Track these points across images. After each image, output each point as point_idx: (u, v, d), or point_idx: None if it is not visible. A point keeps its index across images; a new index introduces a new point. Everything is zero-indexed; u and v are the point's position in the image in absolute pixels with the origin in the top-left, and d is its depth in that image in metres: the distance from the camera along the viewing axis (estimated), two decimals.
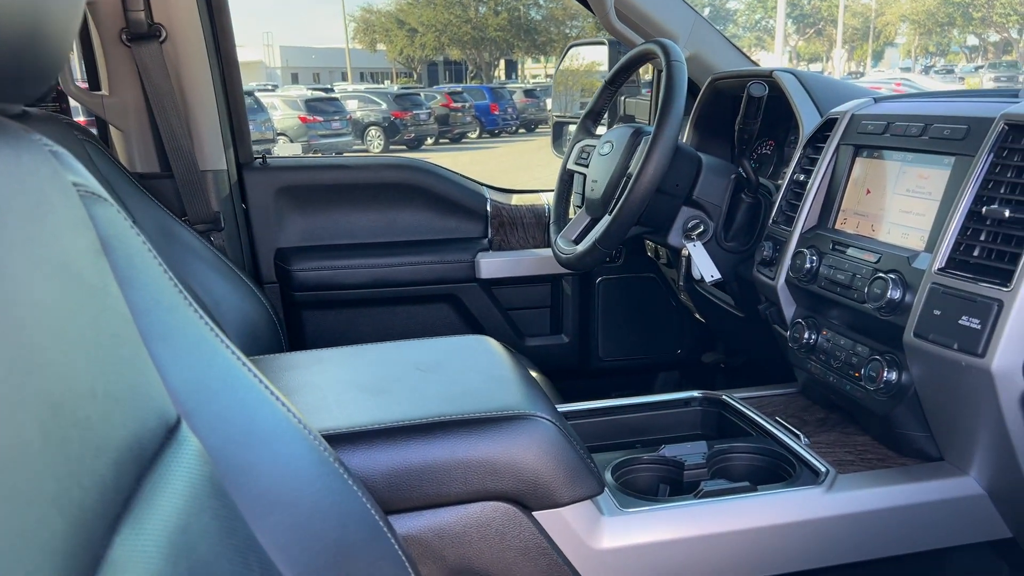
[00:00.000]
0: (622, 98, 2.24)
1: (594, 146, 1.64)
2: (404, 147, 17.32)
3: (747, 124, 1.41)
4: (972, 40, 44.14)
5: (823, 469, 1.10)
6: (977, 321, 0.95)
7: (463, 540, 0.93)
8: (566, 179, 1.76)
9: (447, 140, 18.89)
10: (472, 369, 1.10)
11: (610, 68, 2.29)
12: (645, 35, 1.83)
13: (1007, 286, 0.93)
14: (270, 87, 26.18)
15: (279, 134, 15.17)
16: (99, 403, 0.51)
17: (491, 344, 1.22)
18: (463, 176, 2.13)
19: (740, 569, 1.04)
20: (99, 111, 1.75)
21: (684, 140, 1.89)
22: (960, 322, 0.97)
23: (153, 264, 0.67)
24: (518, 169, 13.29)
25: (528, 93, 22.59)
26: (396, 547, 0.77)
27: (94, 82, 1.79)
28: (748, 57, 1.96)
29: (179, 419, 0.63)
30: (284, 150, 13.74)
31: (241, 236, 1.92)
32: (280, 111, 15.53)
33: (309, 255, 1.97)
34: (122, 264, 0.63)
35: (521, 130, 21.33)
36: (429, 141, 18.15)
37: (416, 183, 2.04)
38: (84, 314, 0.54)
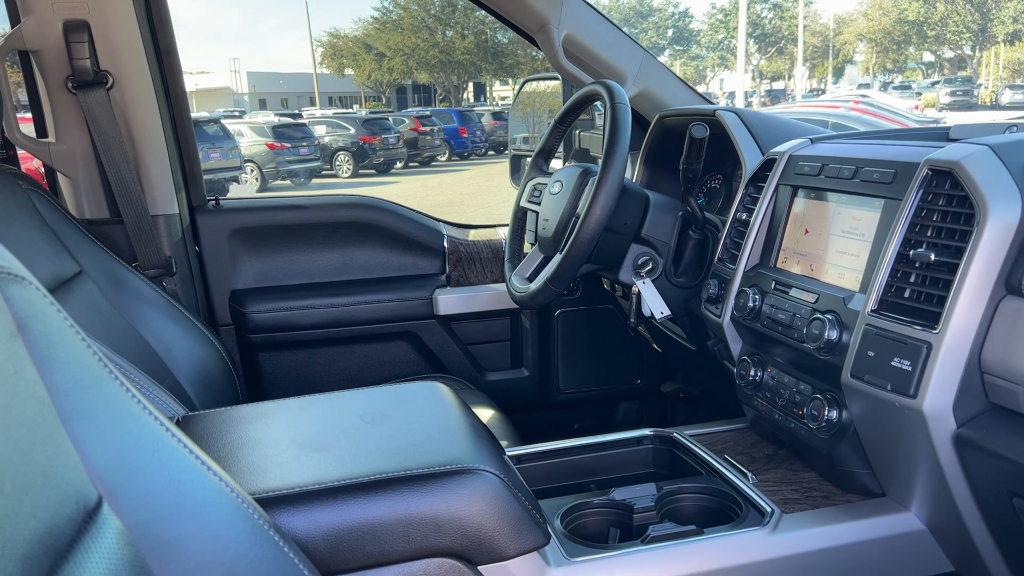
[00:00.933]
0: (577, 132, 2.27)
1: (546, 184, 1.66)
2: (373, 171, 17.32)
3: (691, 164, 1.43)
4: (928, 56, 45.31)
5: (768, 509, 1.11)
6: (908, 363, 0.97)
7: None
8: (520, 216, 1.77)
9: (416, 164, 18.93)
10: (418, 420, 1.09)
11: (564, 102, 2.32)
12: (594, 73, 1.86)
13: (935, 328, 0.95)
14: (237, 113, 26.05)
15: (246, 161, 15.08)
16: (7, 498, 0.50)
17: (441, 391, 1.22)
18: (419, 212, 2.14)
19: None
20: (46, 158, 1.73)
21: (634, 176, 1.92)
22: (893, 363, 0.99)
23: (75, 341, 0.66)
24: (487, 191, 13.34)
25: (497, 116, 22.73)
26: None
27: (41, 129, 1.77)
28: (696, 91, 2.00)
29: (100, 500, 0.62)
30: (241, 191, 13.59)
31: (195, 279, 1.91)
32: (247, 138, 15.44)
33: (264, 296, 1.96)
34: (40, 344, 0.63)
35: (490, 152, 21.45)
36: (398, 165, 18.16)
37: (372, 221, 2.04)
38: None
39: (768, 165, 1.36)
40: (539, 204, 1.67)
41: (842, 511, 1.12)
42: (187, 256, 1.88)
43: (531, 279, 1.61)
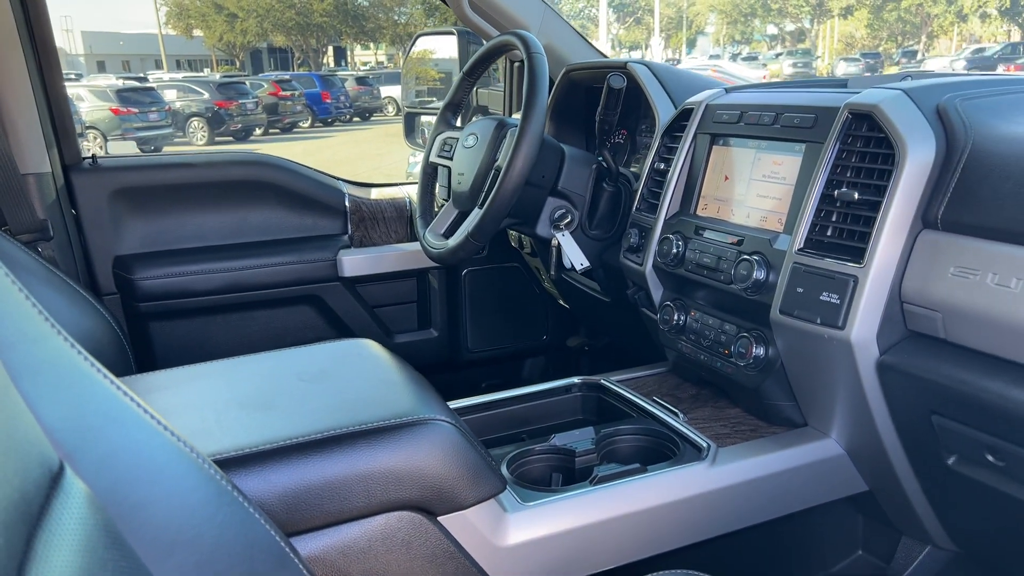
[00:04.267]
0: (476, 89, 2.24)
1: (456, 139, 1.63)
2: (231, 138, 16.45)
3: (607, 115, 1.45)
4: (772, 29, 47.91)
5: (704, 444, 1.16)
6: (836, 296, 1.03)
7: (368, 555, 0.89)
8: (430, 172, 1.73)
9: (277, 130, 18.13)
10: (358, 376, 1.06)
11: (460, 58, 2.28)
12: (499, 26, 1.84)
13: (860, 262, 1.01)
14: (72, 76, 23.98)
15: (88, 127, 13.93)
16: None
17: (371, 347, 1.18)
18: (317, 171, 2.05)
19: (639, 548, 1.08)
20: None
21: None
22: (821, 298, 1.05)
23: (13, 292, 0.59)
24: (357, 159, 12.99)
25: (361, 81, 22.13)
26: (304, 572, 0.73)
27: None
28: (596, 48, 2.01)
29: (62, 463, 0.56)
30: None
31: (73, 245, 1.74)
32: (88, 102, 14.23)
33: (153, 262, 1.82)
34: None
35: (355, 119, 20.88)
36: (258, 132, 17.34)
37: (266, 179, 1.93)
38: None
39: (684, 115, 1.40)
40: (451, 159, 1.63)
41: (771, 442, 1.18)
42: (63, 219, 1.71)
43: (447, 235, 1.58)
